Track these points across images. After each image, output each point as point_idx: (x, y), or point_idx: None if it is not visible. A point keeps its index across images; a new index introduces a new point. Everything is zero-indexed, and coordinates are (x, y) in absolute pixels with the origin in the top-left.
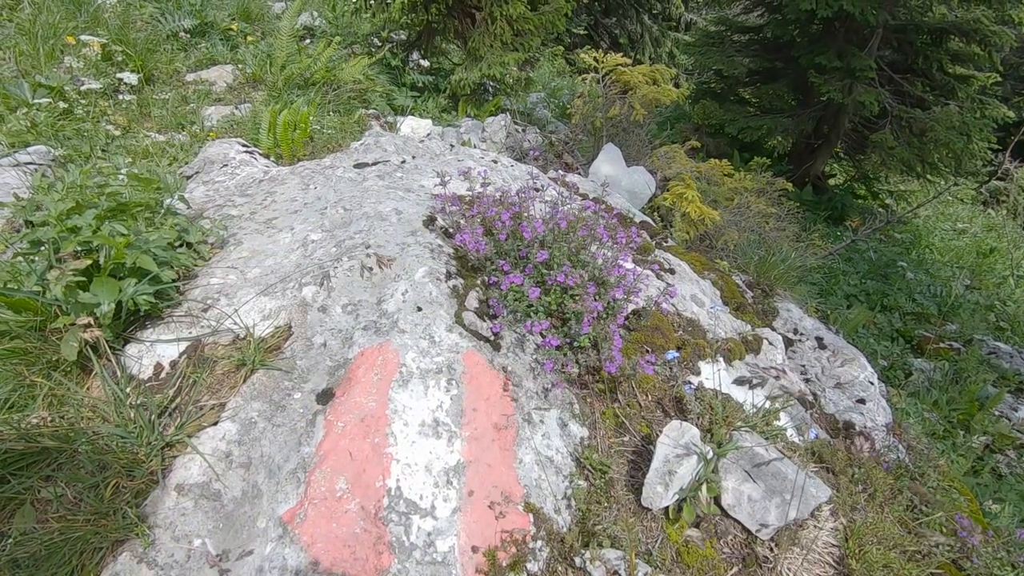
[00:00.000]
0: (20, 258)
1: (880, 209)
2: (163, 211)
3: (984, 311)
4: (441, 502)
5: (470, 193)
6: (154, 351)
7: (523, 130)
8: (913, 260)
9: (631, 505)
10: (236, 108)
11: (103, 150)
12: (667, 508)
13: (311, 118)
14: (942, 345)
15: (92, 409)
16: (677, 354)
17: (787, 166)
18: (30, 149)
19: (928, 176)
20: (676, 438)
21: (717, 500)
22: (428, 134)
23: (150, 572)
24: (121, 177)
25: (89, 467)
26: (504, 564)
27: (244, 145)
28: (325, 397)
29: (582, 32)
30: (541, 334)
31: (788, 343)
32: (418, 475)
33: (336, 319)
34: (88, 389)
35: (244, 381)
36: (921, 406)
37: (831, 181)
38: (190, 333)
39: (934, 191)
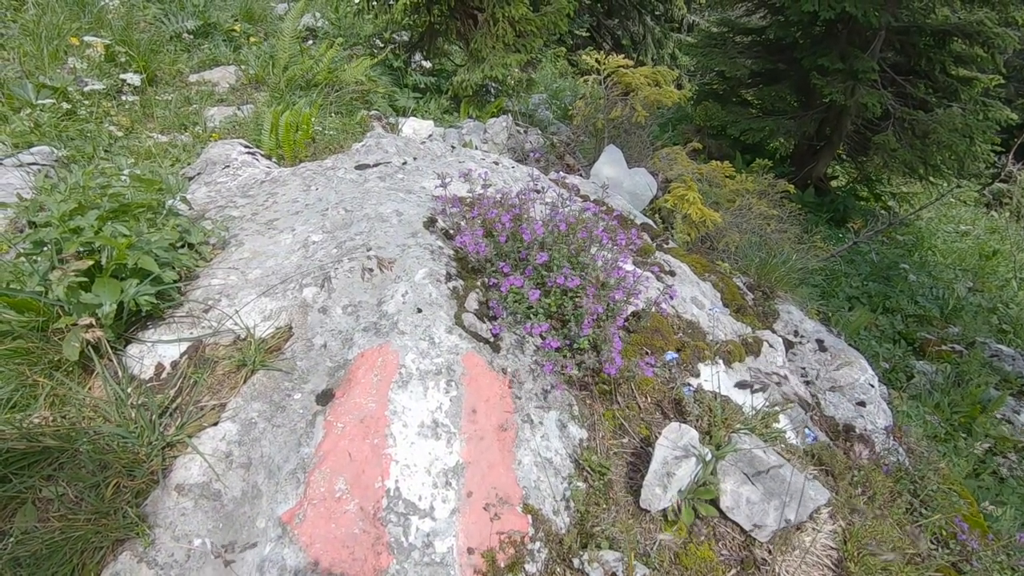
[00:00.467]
0: (23, 258)
1: (882, 211)
2: (165, 212)
3: (986, 314)
4: (440, 503)
5: (471, 195)
6: (155, 351)
7: (525, 131)
8: (915, 262)
9: (630, 507)
10: (238, 109)
11: (106, 151)
12: (666, 510)
13: (313, 119)
14: (944, 348)
15: (93, 409)
16: (676, 356)
17: (789, 168)
18: (33, 150)
19: (931, 178)
20: (675, 440)
21: (716, 502)
22: (430, 135)
23: (150, 571)
24: (124, 178)
25: (90, 467)
26: (502, 565)
27: (246, 146)
28: (325, 398)
29: (584, 33)
30: (541, 336)
31: (789, 345)
32: (417, 476)
33: (336, 320)
34: (90, 389)
35: (244, 382)
36: (922, 409)
37: (833, 183)
38: (191, 334)
39: (937, 193)
